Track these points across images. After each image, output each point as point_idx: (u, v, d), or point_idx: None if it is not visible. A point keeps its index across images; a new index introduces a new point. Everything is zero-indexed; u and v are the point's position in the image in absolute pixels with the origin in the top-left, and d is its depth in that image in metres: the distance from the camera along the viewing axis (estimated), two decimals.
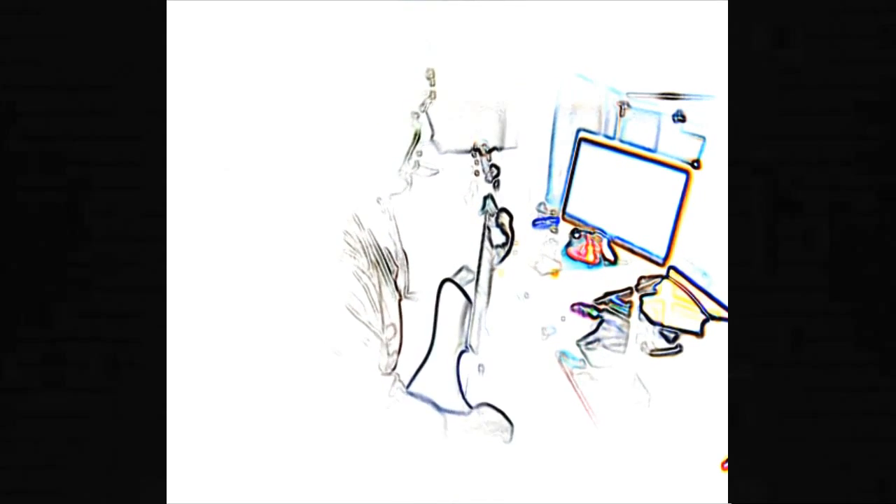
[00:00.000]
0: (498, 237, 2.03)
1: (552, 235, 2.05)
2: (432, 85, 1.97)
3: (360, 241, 2.02)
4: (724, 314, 1.89)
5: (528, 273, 2.06)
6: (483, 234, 2.04)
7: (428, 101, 1.97)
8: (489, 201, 2.04)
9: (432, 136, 2.00)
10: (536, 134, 2.01)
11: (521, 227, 2.05)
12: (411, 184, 2.01)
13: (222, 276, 2.04)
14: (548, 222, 2.05)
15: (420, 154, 1.98)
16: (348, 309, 2.04)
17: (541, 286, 2.06)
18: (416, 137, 1.97)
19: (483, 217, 2.04)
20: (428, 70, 1.96)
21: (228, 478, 2.06)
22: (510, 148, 2.03)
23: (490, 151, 2.01)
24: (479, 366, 2.09)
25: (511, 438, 2.06)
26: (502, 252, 2.05)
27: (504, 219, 2.04)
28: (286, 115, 2.02)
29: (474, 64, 1.99)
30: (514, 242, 2.04)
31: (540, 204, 2.05)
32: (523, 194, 2.04)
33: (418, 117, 2.00)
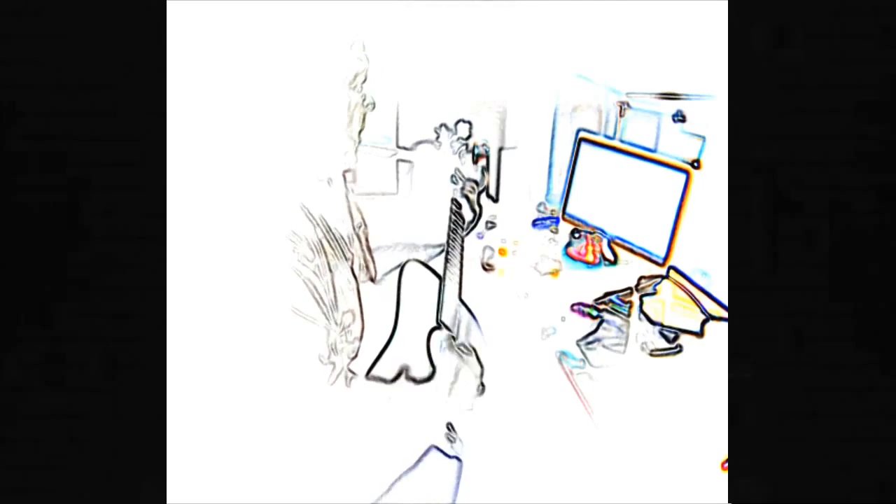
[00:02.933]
0: (467, 212, 2.02)
1: (552, 235, 2.05)
2: (361, 59, 1.93)
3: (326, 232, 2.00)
4: (724, 314, 1.89)
5: (528, 273, 2.06)
6: (450, 209, 2.02)
7: (360, 77, 1.94)
8: (457, 172, 2.02)
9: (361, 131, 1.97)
10: (536, 134, 2.01)
11: (522, 227, 2.05)
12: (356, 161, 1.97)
13: (222, 275, 2.04)
14: (548, 222, 2.05)
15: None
16: (294, 311, 2.03)
17: (541, 286, 2.06)
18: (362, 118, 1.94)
19: (453, 190, 2.02)
20: (354, 43, 1.93)
21: (228, 478, 2.06)
22: (510, 148, 2.03)
23: (457, 123, 2.00)
24: (458, 344, 2.07)
25: (483, 389, 2.05)
26: (470, 225, 2.04)
27: (469, 189, 2.01)
28: (286, 114, 2.02)
29: (474, 64, 1.99)
30: (483, 215, 2.02)
31: (540, 204, 2.04)
32: (523, 194, 2.04)
33: (373, 108, 1.97)
